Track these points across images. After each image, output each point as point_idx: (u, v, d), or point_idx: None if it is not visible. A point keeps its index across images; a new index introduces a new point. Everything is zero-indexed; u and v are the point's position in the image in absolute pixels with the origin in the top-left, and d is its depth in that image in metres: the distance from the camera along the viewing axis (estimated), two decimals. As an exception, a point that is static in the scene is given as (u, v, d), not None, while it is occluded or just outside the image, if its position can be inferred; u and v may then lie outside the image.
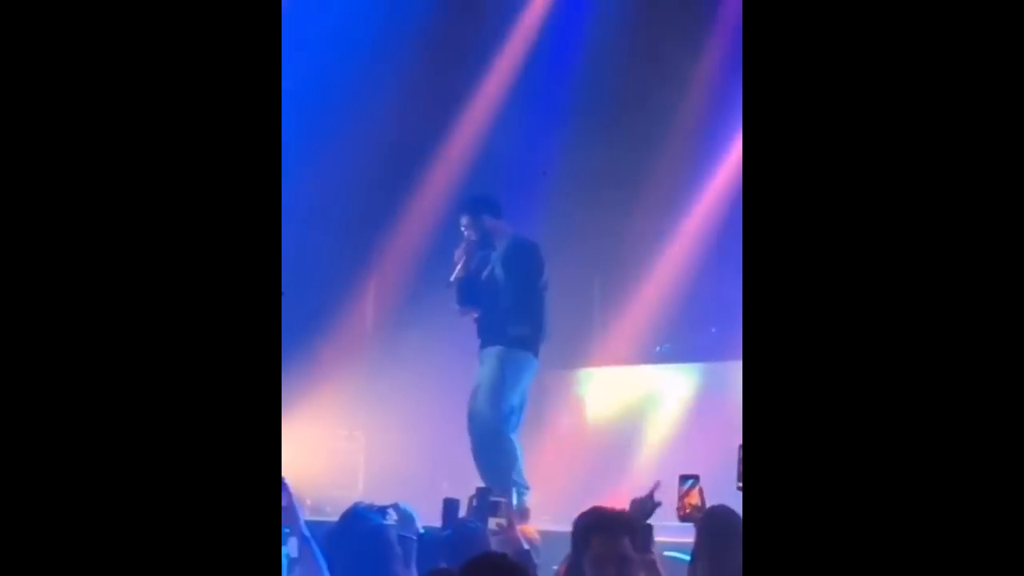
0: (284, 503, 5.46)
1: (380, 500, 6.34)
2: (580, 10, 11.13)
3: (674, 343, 10.50)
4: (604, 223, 10.47)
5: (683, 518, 5.60)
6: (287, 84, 4.26)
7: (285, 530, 5.93)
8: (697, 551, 5.30)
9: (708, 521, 5.34)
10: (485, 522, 6.12)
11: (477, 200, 8.48)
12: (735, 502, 5.13)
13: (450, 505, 6.47)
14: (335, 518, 6.31)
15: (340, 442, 10.45)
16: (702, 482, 5.64)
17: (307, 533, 5.55)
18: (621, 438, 10.06)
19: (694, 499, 5.60)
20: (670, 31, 10.58)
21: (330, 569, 5.59)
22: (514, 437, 8.22)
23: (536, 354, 8.31)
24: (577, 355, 10.56)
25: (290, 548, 5.86)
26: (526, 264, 8.26)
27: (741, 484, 5.37)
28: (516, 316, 8.25)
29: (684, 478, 5.64)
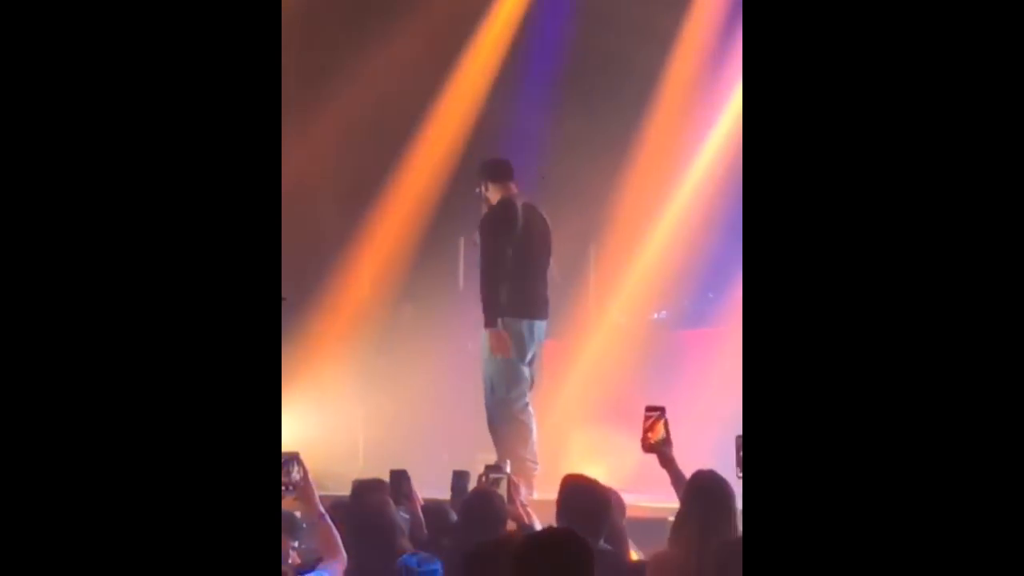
0: (297, 478, 5.48)
1: (381, 473, 6.52)
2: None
3: (671, 309, 10.52)
4: (599, 190, 10.50)
5: (647, 449, 5.66)
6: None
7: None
8: (684, 513, 5.35)
9: (695, 484, 5.38)
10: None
11: (488, 165, 8.51)
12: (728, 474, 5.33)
13: (459, 477, 6.61)
14: (336, 492, 6.36)
15: (340, 417, 10.52)
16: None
17: (322, 509, 5.54)
18: (618, 406, 9.95)
19: (659, 431, 5.64)
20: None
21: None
22: (523, 413, 8.28)
23: (540, 318, 8.35)
24: (573, 323, 10.58)
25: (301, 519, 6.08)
26: (529, 231, 8.33)
27: (741, 473, 5.43)
28: (518, 284, 8.29)
29: (652, 409, 5.69)
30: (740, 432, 5.91)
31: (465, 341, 9.58)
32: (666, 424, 5.66)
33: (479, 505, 5.91)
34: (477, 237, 8.48)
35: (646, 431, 5.70)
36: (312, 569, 5.45)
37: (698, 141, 10.83)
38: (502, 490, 6.10)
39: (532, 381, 8.38)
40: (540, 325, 8.37)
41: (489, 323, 8.18)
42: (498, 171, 8.37)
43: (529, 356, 8.32)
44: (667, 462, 5.66)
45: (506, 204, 8.28)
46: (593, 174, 10.35)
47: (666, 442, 5.64)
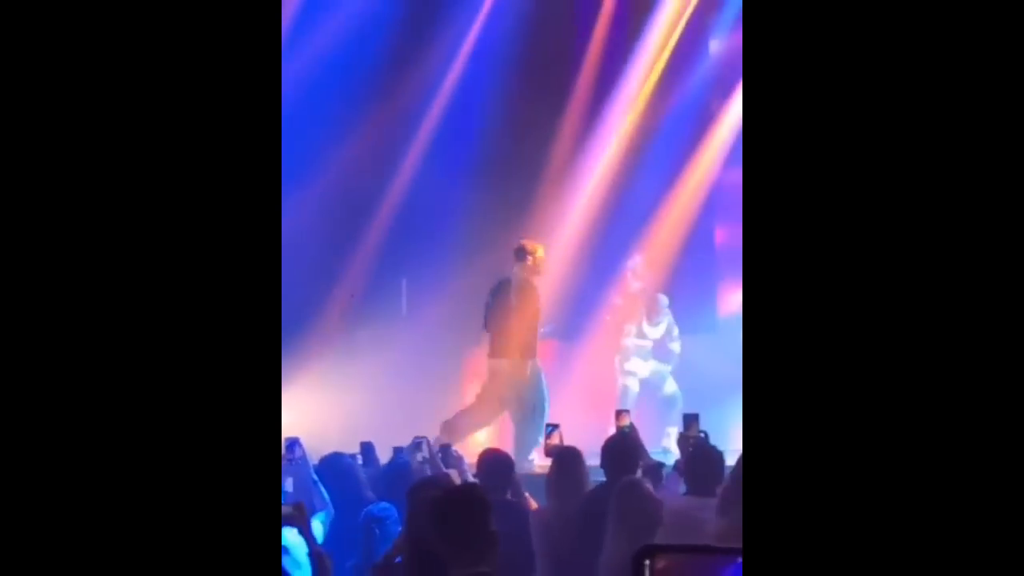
0: (299, 455, 6.72)
1: (349, 448, 7.62)
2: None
3: (557, 324, 11.53)
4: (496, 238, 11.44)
5: (548, 455, 6.82)
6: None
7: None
8: (550, 479, 6.29)
9: (559, 456, 6.37)
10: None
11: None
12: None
13: (397, 451, 7.58)
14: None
15: (320, 406, 11.36)
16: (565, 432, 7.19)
17: (315, 477, 6.56)
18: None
19: (555, 440, 7.03)
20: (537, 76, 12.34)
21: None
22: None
23: (505, 356, 10.09)
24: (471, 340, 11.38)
25: (287, 485, 6.73)
26: (499, 299, 10.24)
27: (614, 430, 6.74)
28: (495, 336, 10.06)
29: (548, 426, 7.19)
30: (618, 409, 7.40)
31: (410, 354, 11.29)
32: (560, 436, 6.94)
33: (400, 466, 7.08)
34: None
35: (546, 441, 6.92)
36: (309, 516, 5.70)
37: (578, 188, 12.48)
38: (422, 453, 7.34)
39: (531, 406, 9.93)
40: (511, 362, 10.11)
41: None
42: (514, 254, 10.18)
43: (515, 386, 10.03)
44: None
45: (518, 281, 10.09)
46: (504, 235, 11.38)
47: (560, 448, 6.60)
